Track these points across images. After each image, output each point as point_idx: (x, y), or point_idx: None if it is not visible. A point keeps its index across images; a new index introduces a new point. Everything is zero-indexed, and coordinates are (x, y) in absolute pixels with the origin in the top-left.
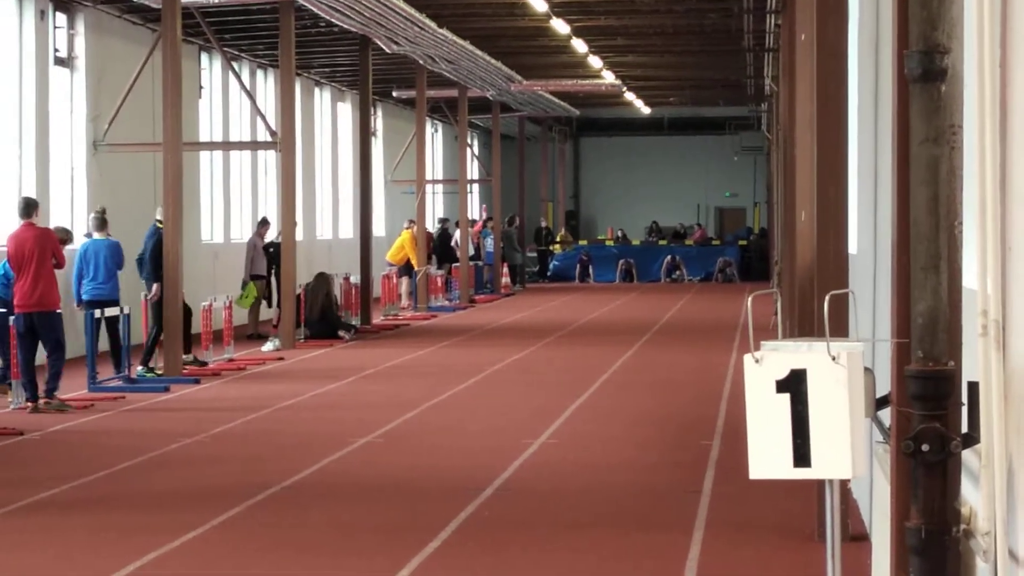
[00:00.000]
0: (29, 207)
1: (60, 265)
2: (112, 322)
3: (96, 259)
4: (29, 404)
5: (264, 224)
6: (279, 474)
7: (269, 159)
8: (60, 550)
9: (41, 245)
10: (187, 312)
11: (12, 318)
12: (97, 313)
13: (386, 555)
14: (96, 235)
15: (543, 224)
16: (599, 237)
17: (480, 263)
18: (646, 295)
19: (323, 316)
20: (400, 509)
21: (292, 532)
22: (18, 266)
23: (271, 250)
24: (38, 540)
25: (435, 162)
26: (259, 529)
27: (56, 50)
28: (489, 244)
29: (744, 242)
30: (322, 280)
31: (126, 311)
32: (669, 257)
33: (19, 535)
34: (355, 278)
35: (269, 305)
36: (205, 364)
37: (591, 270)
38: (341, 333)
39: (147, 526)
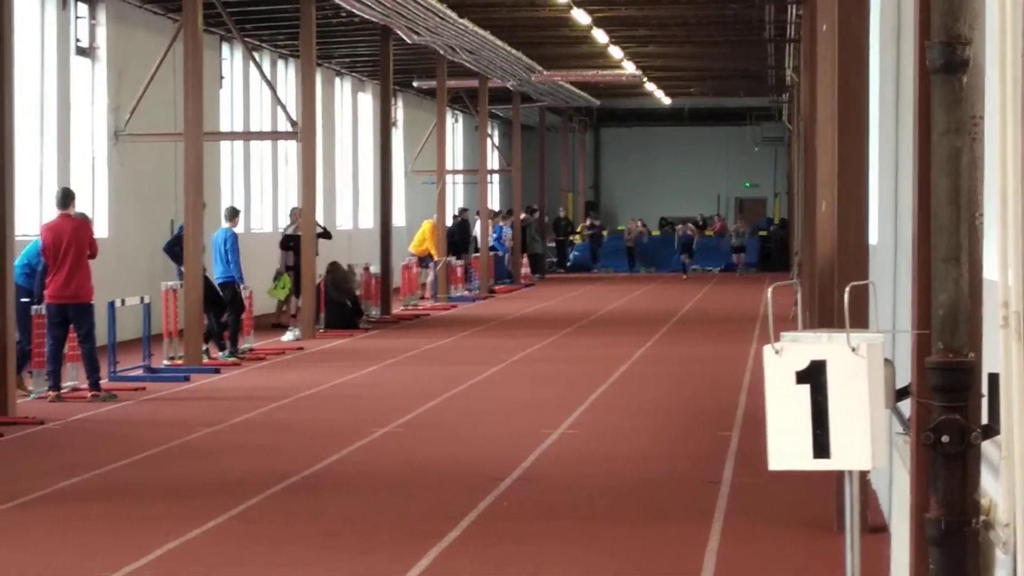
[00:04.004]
0: (67, 198)
1: (93, 255)
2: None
3: (214, 246)
4: (51, 393)
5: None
6: (300, 463)
7: (290, 149)
8: (81, 539)
9: (79, 237)
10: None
11: (34, 307)
12: (119, 303)
13: (406, 544)
14: (224, 224)
15: (562, 214)
16: (619, 227)
17: (499, 253)
18: (665, 285)
19: (344, 304)
20: (420, 498)
21: (312, 521)
22: (54, 257)
23: (291, 244)
24: (59, 529)
25: (455, 152)
26: (279, 518)
27: (78, 40)
28: (505, 235)
29: (764, 233)
30: (338, 269)
31: (147, 301)
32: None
33: (40, 524)
34: (375, 268)
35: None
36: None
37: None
38: (361, 322)
39: (168, 515)
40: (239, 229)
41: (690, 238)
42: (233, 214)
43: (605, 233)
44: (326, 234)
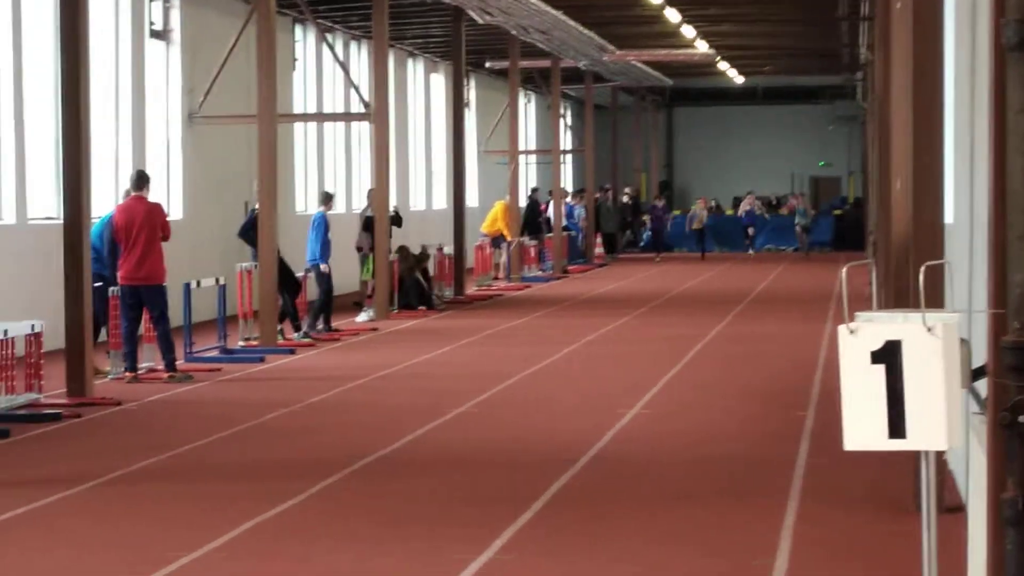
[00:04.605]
0: (142, 180)
1: (167, 238)
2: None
3: (310, 228)
4: (127, 374)
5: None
6: (374, 444)
7: (363, 130)
8: (157, 518)
9: (151, 220)
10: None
11: (112, 289)
12: (194, 285)
13: (480, 525)
14: (319, 208)
15: (632, 194)
16: (691, 207)
17: (571, 232)
18: (738, 266)
19: (417, 284)
20: (494, 479)
21: (387, 501)
22: (126, 238)
23: (370, 225)
24: (135, 510)
25: (528, 133)
26: (355, 498)
27: (152, 23)
28: (576, 215)
29: (839, 212)
30: (404, 250)
31: (222, 282)
32: (749, 227)
33: (117, 505)
34: (448, 249)
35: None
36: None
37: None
38: (435, 302)
39: (244, 495)
40: (312, 210)
41: (752, 213)
42: (327, 198)
43: (677, 212)
44: (397, 220)
